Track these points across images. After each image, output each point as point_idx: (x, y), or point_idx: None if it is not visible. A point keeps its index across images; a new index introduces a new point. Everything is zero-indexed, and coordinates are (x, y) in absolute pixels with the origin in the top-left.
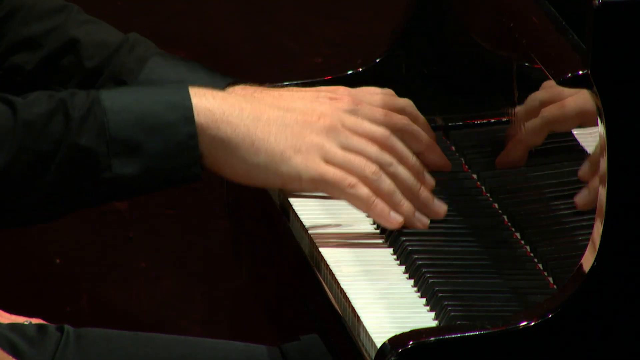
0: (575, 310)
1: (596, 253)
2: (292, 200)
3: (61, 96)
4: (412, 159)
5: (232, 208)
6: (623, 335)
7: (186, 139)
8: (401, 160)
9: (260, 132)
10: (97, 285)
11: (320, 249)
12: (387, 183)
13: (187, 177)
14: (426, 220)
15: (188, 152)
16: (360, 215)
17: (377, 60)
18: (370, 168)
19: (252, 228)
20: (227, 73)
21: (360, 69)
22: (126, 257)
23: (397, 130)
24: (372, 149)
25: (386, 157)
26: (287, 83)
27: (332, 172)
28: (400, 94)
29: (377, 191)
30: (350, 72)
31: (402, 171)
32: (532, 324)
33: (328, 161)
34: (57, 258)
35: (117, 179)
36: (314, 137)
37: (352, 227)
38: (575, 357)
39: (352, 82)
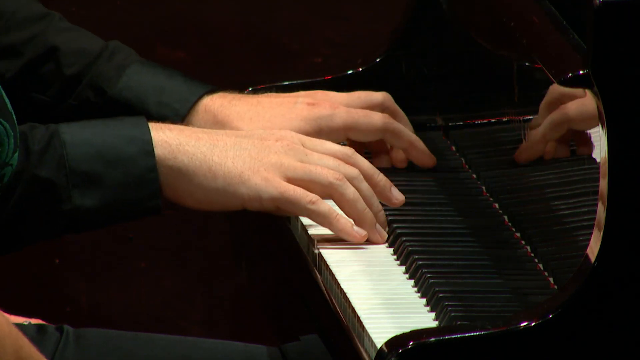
0: (576, 310)
1: (597, 253)
2: None
3: (22, 129)
4: (378, 175)
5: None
6: (624, 335)
7: (146, 172)
8: (366, 177)
9: (217, 157)
10: (97, 285)
11: (320, 249)
12: (351, 189)
13: (147, 210)
14: (385, 235)
15: (148, 185)
16: None
17: (377, 60)
18: (333, 175)
19: (252, 228)
20: (227, 73)
21: (360, 69)
22: (126, 258)
23: (379, 131)
24: (334, 162)
25: (350, 170)
26: (287, 83)
27: (292, 189)
28: (400, 93)
29: (341, 198)
30: (350, 71)
31: (365, 186)
32: (533, 324)
33: (288, 178)
34: (56, 258)
35: (77, 211)
36: (273, 157)
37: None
38: (576, 357)
39: (352, 82)
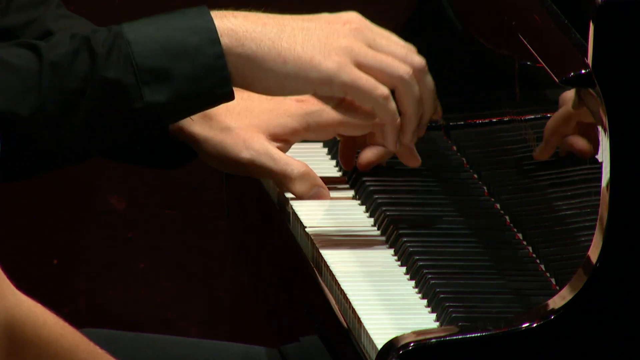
0: (578, 311)
1: (599, 254)
2: (292, 201)
3: (83, 34)
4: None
5: (232, 208)
6: (626, 336)
7: (213, 60)
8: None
9: (286, 42)
10: (95, 286)
11: (321, 250)
12: (416, 88)
13: (219, 98)
14: (418, 160)
15: (217, 73)
16: (361, 216)
17: None
18: (404, 68)
19: (251, 229)
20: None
21: None
22: (125, 258)
23: (370, 126)
24: (402, 50)
25: (417, 59)
26: None
27: (364, 78)
28: None
29: (405, 93)
30: None
31: (429, 80)
32: (534, 325)
33: (359, 63)
34: (54, 259)
35: (149, 108)
36: (342, 41)
37: (353, 228)
38: (578, 358)
39: None
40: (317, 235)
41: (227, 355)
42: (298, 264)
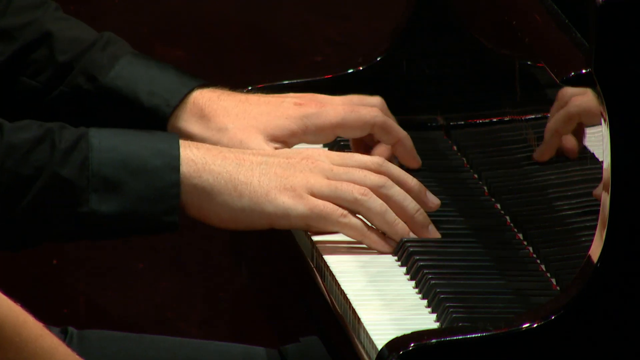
0: (578, 311)
1: (599, 254)
2: None
3: (50, 126)
4: (411, 181)
5: None
6: (626, 337)
7: (169, 186)
8: (399, 183)
9: (243, 176)
10: (95, 287)
11: (321, 250)
12: (377, 203)
13: (163, 225)
14: (436, 234)
15: (168, 200)
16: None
17: (378, 59)
18: (358, 190)
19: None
20: (227, 72)
21: (361, 68)
22: (124, 258)
23: (368, 125)
24: (360, 174)
25: (376, 179)
26: (286, 82)
27: (321, 204)
28: (401, 93)
29: (368, 213)
30: (350, 71)
31: (396, 191)
32: (535, 325)
33: (315, 194)
34: (54, 259)
35: (93, 216)
36: (299, 175)
37: None
38: (579, 359)
39: (353, 81)
40: (317, 235)
41: (227, 356)
42: (298, 264)
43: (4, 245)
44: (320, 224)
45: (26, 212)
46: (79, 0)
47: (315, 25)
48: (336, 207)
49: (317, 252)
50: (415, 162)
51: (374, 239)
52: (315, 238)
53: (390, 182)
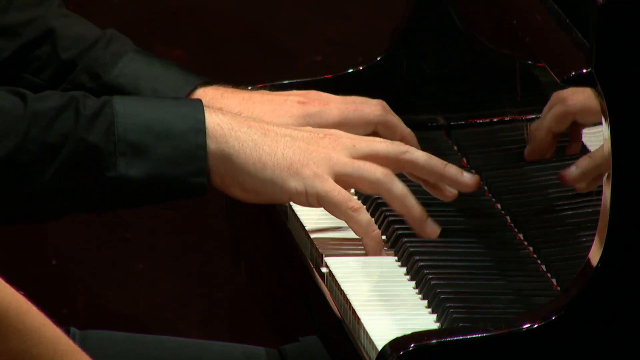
0: (579, 312)
1: (600, 254)
2: (292, 202)
3: (73, 94)
4: (441, 164)
5: (231, 209)
6: (627, 337)
7: (195, 149)
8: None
9: (268, 147)
10: (94, 287)
11: (320, 250)
12: (399, 186)
13: (191, 188)
14: (437, 229)
15: (195, 162)
16: None
17: (378, 59)
18: (381, 171)
19: (251, 229)
20: (226, 72)
21: (361, 68)
22: (123, 258)
23: (372, 123)
24: (382, 145)
25: (400, 146)
26: (286, 82)
27: (337, 190)
28: (401, 92)
29: (388, 195)
30: (350, 70)
31: (420, 155)
32: (536, 326)
33: (336, 173)
34: (53, 259)
35: (121, 180)
36: (322, 151)
37: None
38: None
39: (353, 81)
40: (317, 235)
41: (227, 356)
42: (298, 264)
43: (31, 217)
44: (330, 208)
45: (54, 180)
46: None
47: (315, 24)
48: (350, 198)
49: (317, 252)
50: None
51: (373, 243)
52: (315, 237)
53: (412, 149)
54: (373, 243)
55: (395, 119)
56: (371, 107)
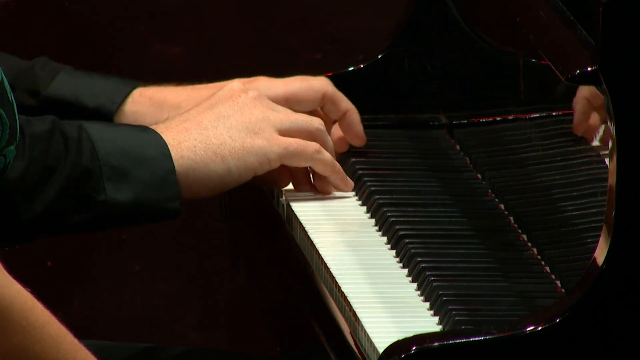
0: (584, 314)
1: (605, 256)
2: (291, 202)
3: (50, 117)
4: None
5: (229, 210)
6: (632, 340)
7: (167, 174)
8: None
9: (214, 138)
10: (90, 289)
11: (321, 252)
12: (330, 139)
13: (166, 212)
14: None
15: (169, 187)
16: (362, 217)
17: (379, 57)
18: (315, 120)
19: (249, 230)
20: (226, 69)
21: (362, 65)
22: (119, 260)
23: (319, 94)
24: (297, 115)
25: (315, 119)
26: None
27: (293, 142)
28: (402, 91)
29: (325, 144)
30: (351, 68)
31: (330, 148)
32: (540, 328)
33: (279, 129)
34: (48, 261)
35: (109, 204)
36: (258, 114)
37: (353, 229)
38: None
39: (353, 78)
40: (317, 236)
41: None
42: (298, 266)
43: (26, 236)
44: (294, 161)
45: (52, 202)
46: None
47: (315, 22)
48: (309, 143)
49: (316, 253)
50: (360, 139)
51: (341, 176)
52: (315, 237)
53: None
54: (340, 176)
55: (339, 94)
56: (317, 79)
